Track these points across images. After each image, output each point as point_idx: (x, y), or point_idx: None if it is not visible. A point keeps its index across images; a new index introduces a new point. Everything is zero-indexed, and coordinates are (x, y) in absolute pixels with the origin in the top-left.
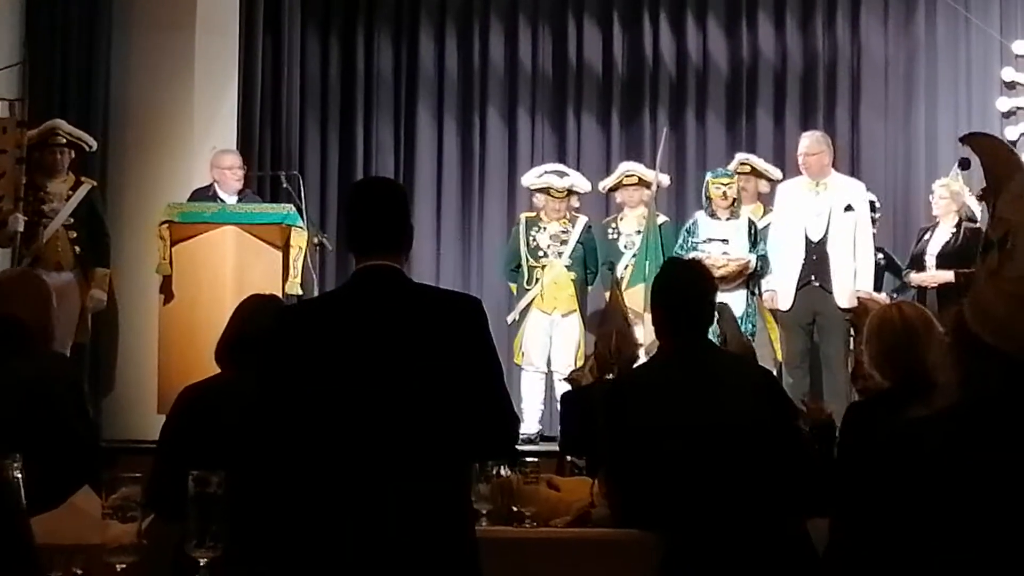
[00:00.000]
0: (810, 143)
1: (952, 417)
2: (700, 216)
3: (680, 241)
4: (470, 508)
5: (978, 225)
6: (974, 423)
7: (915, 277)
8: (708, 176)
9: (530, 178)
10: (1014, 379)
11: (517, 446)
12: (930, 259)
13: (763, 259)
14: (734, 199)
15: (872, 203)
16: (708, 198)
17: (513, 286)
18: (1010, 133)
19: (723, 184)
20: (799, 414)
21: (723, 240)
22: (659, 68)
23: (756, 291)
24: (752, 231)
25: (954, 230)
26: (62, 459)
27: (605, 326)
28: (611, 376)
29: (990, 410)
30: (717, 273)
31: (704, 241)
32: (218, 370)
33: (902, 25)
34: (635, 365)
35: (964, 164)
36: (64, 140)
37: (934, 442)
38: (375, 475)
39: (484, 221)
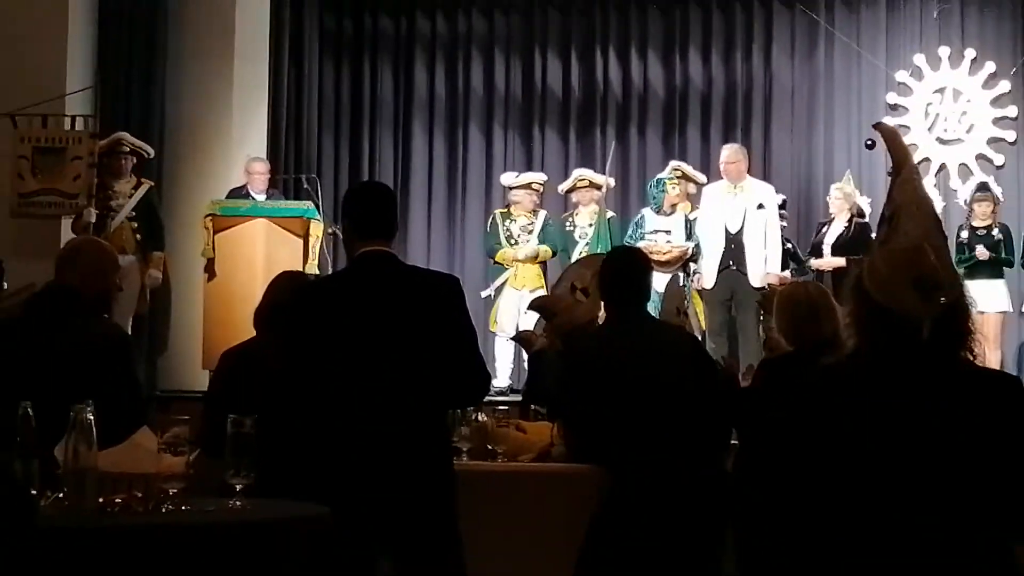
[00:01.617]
0: (730, 153)
1: (849, 364)
2: (646, 212)
3: (629, 232)
4: (450, 445)
5: (867, 220)
6: (865, 368)
7: (814, 262)
8: (664, 178)
9: (510, 178)
10: (893, 330)
11: (488, 396)
12: (827, 248)
13: (697, 247)
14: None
15: (784, 202)
16: (659, 197)
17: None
18: None
19: (677, 184)
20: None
21: (666, 232)
22: (608, 92)
23: (688, 273)
24: (688, 225)
25: (847, 224)
26: (113, 408)
27: (552, 294)
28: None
29: (877, 357)
30: (663, 258)
31: (651, 232)
32: (252, 334)
33: (806, 58)
34: (584, 331)
35: (870, 145)
36: (128, 148)
37: (839, 382)
38: (373, 418)
39: (466, 214)
